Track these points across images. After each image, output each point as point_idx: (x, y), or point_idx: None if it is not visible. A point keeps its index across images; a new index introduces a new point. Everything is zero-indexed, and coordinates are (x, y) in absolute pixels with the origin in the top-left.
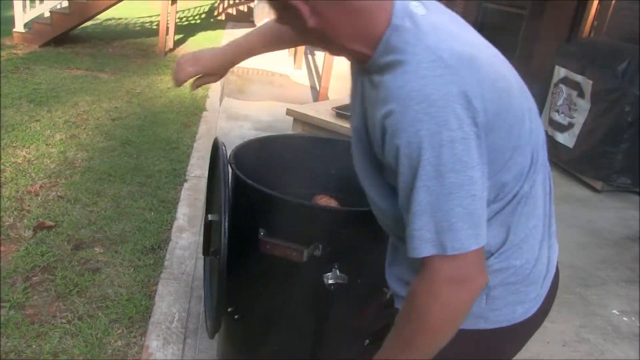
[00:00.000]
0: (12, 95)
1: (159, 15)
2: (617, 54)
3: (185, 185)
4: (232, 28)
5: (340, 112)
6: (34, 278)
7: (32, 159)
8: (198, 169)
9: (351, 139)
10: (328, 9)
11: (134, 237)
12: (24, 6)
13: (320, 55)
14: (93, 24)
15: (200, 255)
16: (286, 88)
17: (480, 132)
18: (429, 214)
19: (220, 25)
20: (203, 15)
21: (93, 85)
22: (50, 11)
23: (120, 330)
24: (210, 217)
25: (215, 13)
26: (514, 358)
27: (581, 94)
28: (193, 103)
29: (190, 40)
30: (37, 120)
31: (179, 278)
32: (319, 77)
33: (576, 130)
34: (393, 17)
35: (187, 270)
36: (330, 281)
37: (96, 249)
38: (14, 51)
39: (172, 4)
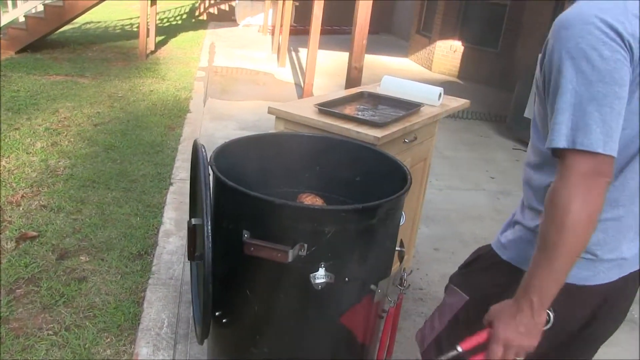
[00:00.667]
0: None
1: (138, 17)
2: None
3: (171, 188)
4: (215, 27)
5: (323, 108)
6: (17, 290)
7: (12, 168)
8: (183, 171)
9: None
10: None
11: (120, 244)
12: None
13: (304, 52)
14: (72, 28)
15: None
16: (270, 86)
17: (632, 58)
18: (570, 112)
19: (203, 25)
20: (184, 16)
21: (73, 91)
22: (25, 16)
23: (109, 339)
24: (193, 221)
25: (197, 13)
26: None
27: None
28: (176, 105)
29: (172, 41)
30: (16, 129)
31: (167, 283)
32: (304, 75)
33: None
34: None
35: (176, 275)
36: (318, 281)
37: (82, 257)
38: None
39: (151, 5)
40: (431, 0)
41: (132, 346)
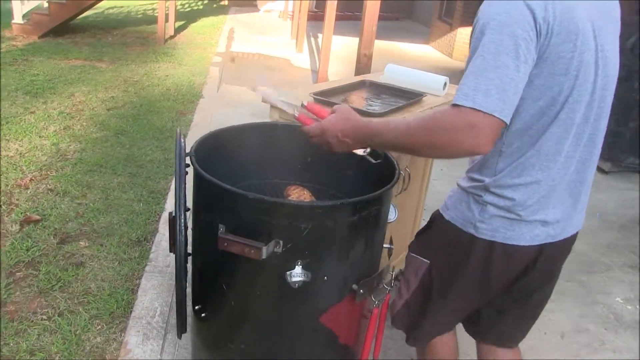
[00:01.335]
0: (8, 87)
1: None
2: (626, 28)
3: None
4: (236, 13)
5: (319, 97)
6: (17, 274)
7: (25, 151)
8: None
9: None
10: None
11: (120, 230)
12: None
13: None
14: (95, 13)
15: None
16: (286, 72)
17: (538, 40)
18: (476, 75)
19: (224, 10)
20: (206, 1)
21: (90, 75)
22: (47, 1)
23: (100, 326)
24: (173, 212)
25: None
26: None
27: None
28: (190, 90)
29: (192, 26)
30: (31, 113)
31: (164, 271)
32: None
33: None
34: None
35: (172, 263)
36: (294, 279)
37: (81, 242)
38: (13, 43)
39: None
40: None
41: (122, 334)
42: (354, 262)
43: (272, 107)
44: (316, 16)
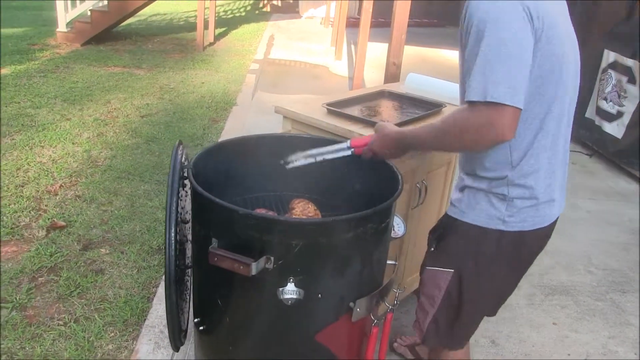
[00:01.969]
0: (48, 94)
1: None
2: None
3: None
4: (277, 20)
5: (332, 108)
6: (39, 279)
7: (57, 158)
8: None
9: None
10: None
11: (142, 237)
12: (66, 6)
13: None
14: (137, 20)
15: None
16: (324, 80)
17: (536, 31)
18: (482, 71)
19: (265, 17)
20: (248, 8)
21: (127, 82)
22: (90, 10)
23: (113, 334)
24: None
25: (261, 5)
26: None
27: (632, 80)
28: (224, 98)
29: (232, 33)
30: (67, 119)
31: None
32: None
33: (625, 119)
34: None
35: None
36: (286, 296)
37: (103, 249)
38: (57, 50)
39: None
40: None
41: (134, 342)
42: (351, 279)
43: (285, 118)
44: (357, 22)
